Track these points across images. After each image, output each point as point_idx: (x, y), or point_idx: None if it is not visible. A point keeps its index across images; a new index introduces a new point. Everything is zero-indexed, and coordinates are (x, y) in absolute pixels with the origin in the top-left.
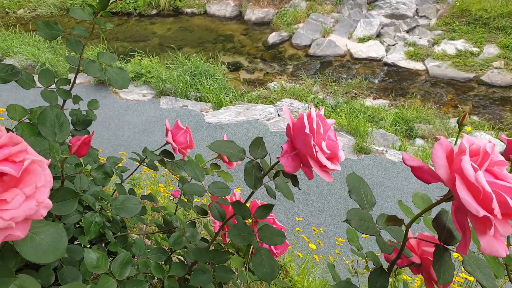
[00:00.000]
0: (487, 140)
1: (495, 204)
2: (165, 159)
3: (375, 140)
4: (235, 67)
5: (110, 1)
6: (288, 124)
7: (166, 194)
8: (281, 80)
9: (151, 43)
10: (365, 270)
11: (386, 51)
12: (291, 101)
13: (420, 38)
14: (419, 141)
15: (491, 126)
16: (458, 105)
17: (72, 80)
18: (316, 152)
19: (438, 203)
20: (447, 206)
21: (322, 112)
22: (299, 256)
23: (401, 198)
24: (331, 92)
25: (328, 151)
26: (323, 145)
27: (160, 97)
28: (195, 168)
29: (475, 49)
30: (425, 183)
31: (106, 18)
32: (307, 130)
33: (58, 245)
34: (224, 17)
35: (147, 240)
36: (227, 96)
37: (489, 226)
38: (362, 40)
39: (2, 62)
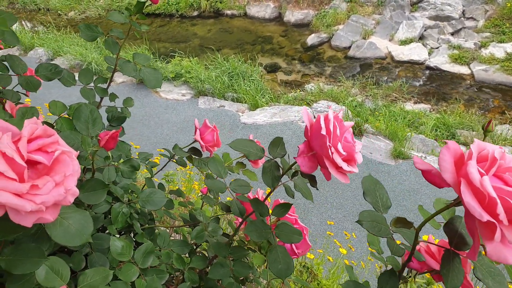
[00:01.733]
0: (498, 146)
1: (500, 209)
2: (193, 156)
3: (414, 146)
4: (272, 69)
5: (145, 5)
6: (306, 125)
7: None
8: (318, 82)
9: (192, 44)
10: None
11: (429, 54)
12: (328, 103)
13: (466, 41)
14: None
15: None
16: (506, 111)
17: (109, 79)
18: (332, 153)
19: (447, 207)
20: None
21: (340, 114)
22: (329, 260)
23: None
24: (370, 95)
25: (344, 153)
26: (339, 146)
27: (198, 97)
28: (218, 165)
29: None
30: (437, 187)
31: (143, 20)
32: (323, 131)
33: (84, 231)
34: (263, 19)
35: (175, 234)
36: (263, 97)
37: (494, 232)
38: (404, 42)
39: (51, 62)
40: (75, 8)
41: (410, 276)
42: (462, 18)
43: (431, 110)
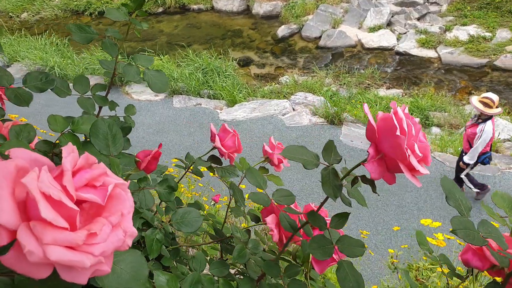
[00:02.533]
0: None
1: None
2: (213, 165)
3: None
4: (245, 62)
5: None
6: (370, 125)
7: (206, 199)
8: (292, 73)
9: (159, 41)
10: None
11: (398, 39)
12: (305, 94)
13: (431, 25)
14: (435, 130)
15: (507, 111)
16: (472, 92)
17: (108, 85)
18: (409, 156)
19: None
20: None
21: (406, 110)
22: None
23: (421, 188)
24: (344, 83)
25: (420, 154)
26: (416, 147)
27: (172, 96)
28: (256, 176)
29: (487, 34)
30: None
31: (143, 17)
32: (399, 132)
33: (139, 275)
34: (231, 12)
35: (190, 248)
36: (240, 93)
37: None
38: (373, 29)
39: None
40: (28, 9)
41: (471, 275)
42: (427, 3)
43: (404, 94)
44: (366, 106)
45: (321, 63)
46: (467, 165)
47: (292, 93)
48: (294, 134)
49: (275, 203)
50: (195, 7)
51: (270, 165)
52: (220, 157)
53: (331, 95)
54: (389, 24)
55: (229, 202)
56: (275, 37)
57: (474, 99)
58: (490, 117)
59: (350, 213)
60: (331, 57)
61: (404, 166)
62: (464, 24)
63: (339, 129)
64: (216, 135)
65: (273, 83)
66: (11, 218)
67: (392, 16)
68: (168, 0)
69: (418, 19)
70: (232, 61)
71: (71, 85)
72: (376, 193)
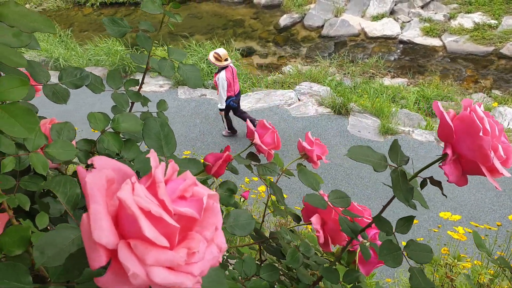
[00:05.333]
0: None
1: None
2: (253, 163)
3: (400, 121)
4: (247, 52)
5: None
6: (446, 124)
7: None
8: (296, 63)
9: (161, 32)
10: None
11: (401, 28)
12: (310, 84)
13: (435, 13)
14: None
15: None
16: (479, 80)
17: (140, 81)
18: (492, 158)
19: None
20: None
21: (482, 108)
22: None
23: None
24: (348, 73)
25: (504, 156)
26: (500, 149)
27: (177, 87)
28: (309, 176)
29: (493, 22)
30: None
31: (177, 9)
32: (482, 133)
33: None
34: (232, 2)
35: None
36: (245, 83)
37: None
38: (376, 18)
39: (71, 66)
40: (31, 1)
41: None
42: None
43: (409, 83)
44: (438, 103)
45: (324, 53)
46: (222, 110)
47: (296, 83)
48: (301, 124)
49: (331, 205)
50: None
51: (307, 162)
52: (257, 154)
53: (335, 85)
54: (392, 12)
55: (267, 201)
56: (277, 26)
57: (210, 54)
58: (223, 68)
59: (415, 216)
60: (334, 46)
61: (486, 168)
62: (469, 12)
63: (346, 119)
64: (255, 132)
65: (277, 73)
66: (111, 238)
67: (395, 5)
68: None
69: (422, 7)
70: (236, 51)
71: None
72: (444, 195)
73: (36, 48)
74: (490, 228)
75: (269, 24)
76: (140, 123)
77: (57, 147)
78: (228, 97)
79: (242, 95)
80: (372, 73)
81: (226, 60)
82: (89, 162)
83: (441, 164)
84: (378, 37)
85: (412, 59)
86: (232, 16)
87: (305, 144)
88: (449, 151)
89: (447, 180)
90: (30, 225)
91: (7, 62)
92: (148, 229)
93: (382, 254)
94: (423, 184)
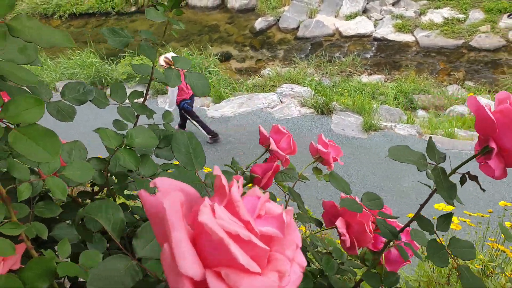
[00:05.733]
0: None
1: None
2: None
3: (381, 117)
4: (225, 57)
5: (77, 4)
6: (488, 118)
7: None
8: (274, 65)
9: (134, 42)
10: None
11: (375, 26)
12: (291, 86)
13: (406, 10)
14: (421, 112)
15: (487, 90)
16: (452, 73)
17: (145, 93)
18: None
19: None
20: None
21: None
22: None
23: (417, 172)
24: (326, 72)
25: None
26: None
27: (157, 96)
28: (340, 181)
29: (461, 16)
30: None
31: (179, 16)
32: None
33: None
34: (206, 8)
35: None
36: (225, 88)
37: None
38: (349, 17)
39: (73, 81)
40: None
41: None
42: None
43: (386, 79)
44: (475, 98)
45: (301, 54)
46: (182, 112)
47: (276, 86)
48: (285, 126)
49: (365, 209)
50: None
51: (322, 164)
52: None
53: (315, 85)
54: (365, 11)
55: (285, 207)
56: (253, 30)
57: (160, 59)
58: None
59: (453, 213)
60: (310, 47)
61: None
62: (438, 7)
63: (330, 119)
64: (270, 138)
65: (256, 77)
66: (197, 268)
67: (367, 3)
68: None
69: (393, 4)
70: (214, 56)
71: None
72: (483, 190)
73: (38, 64)
74: (483, 216)
75: (245, 28)
76: (155, 137)
77: (73, 168)
78: (182, 100)
79: (224, 101)
80: (350, 72)
81: None
82: (151, 185)
83: (481, 158)
84: (352, 36)
85: (387, 55)
86: (206, 21)
87: (319, 146)
88: (493, 145)
89: (494, 175)
90: (53, 256)
91: (16, 80)
92: (241, 255)
93: (430, 254)
94: (462, 180)
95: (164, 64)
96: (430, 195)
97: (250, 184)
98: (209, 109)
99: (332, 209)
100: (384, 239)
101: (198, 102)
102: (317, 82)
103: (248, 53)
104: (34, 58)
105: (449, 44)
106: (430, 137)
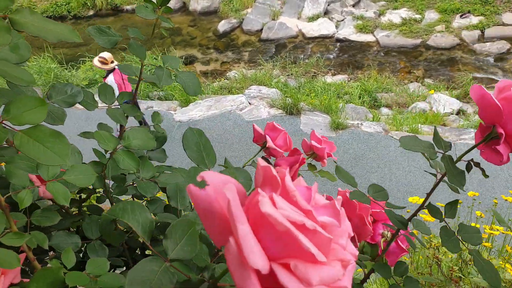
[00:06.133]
0: None
1: None
2: None
3: (348, 115)
4: (189, 60)
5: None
6: (494, 105)
7: None
8: (239, 68)
9: (93, 46)
10: None
11: (336, 27)
12: (259, 87)
13: (366, 11)
14: (385, 110)
15: (446, 86)
16: (412, 71)
17: (134, 93)
18: None
19: None
20: None
21: None
22: None
23: (384, 167)
24: (292, 74)
25: None
26: None
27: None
28: (345, 174)
29: (417, 16)
30: None
31: (169, 13)
32: None
33: None
34: None
35: None
36: None
37: None
38: (312, 19)
39: (60, 83)
40: None
41: None
42: None
43: (349, 79)
44: (479, 86)
45: (266, 56)
46: None
47: (243, 88)
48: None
49: (373, 200)
50: (128, 7)
51: (315, 160)
52: (269, 158)
53: (281, 87)
54: (326, 12)
55: None
56: (217, 32)
57: (95, 60)
58: (111, 71)
59: (459, 200)
60: (275, 49)
61: None
62: (396, 8)
63: (299, 119)
64: (267, 136)
65: (222, 79)
66: (264, 261)
67: (328, 5)
68: (99, 2)
69: (353, 5)
70: (179, 59)
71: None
72: (487, 176)
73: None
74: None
75: (208, 31)
76: (152, 138)
77: (75, 172)
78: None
79: (191, 104)
80: (314, 72)
81: (112, 62)
82: (198, 178)
83: (483, 145)
84: (315, 37)
85: (349, 55)
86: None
87: (314, 143)
88: (501, 131)
89: (501, 160)
90: (60, 266)
91: (12, 79)
92: (311, 246)
93: (444, 241)
94: (468, 167)
95: (99, 64)
96: (436, 184)
97: None
98: (176, 113)
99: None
100: (380, 232)
101: (164, 106)
102: (283, 83)
103: (213, 56)
104: (27, 57)
105: (408, 43)
106: (435, 128)
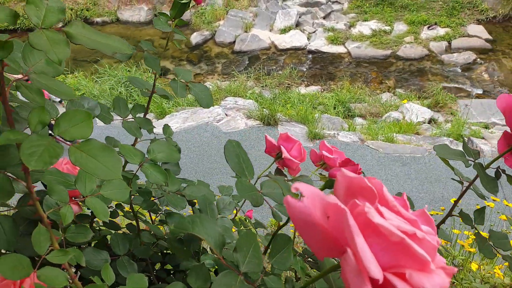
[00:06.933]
0: None
1: None
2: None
3: (324, 125)
4: (162, 72)
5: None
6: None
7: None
8: (213, 79)
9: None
10: None
11: (308, 39)
12: (235, 99)
13: (337, 23)
14: (359, 120)
15: (417, 96)
16: (383, 81)
17: (146, 106)
18: None
19: None
20: None
21: None
22: None
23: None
24: (266, 85)
25: None
26: None
27: None
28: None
29: (387, 28)
30: None
31: (181, 25)
32: None
33: None
34: (139, 23)
35: None
36: (168, 103)
37: None
38: (284, 31)
39: (77, 97)
40: None
41: None
42: (329, 2)
43: (322, 90)
44: (505, 95)
45: (240, 67)
46: None
47: (219, 99)
48: (233, 139)
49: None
50: (98, 20)
51: (325, 170)
52: (282, 169)
53: (256, 98)
54: (298, 24)
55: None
56: (189, 44)
57: None
58: None
59: (485, 206)
60: (248, 61)
61: None
62: (366, 20)
63: (276, 129)
64: (281, 146)
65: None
66: (380, 271)
67: (299, 17)
68: (68, 14)
69: (324, 17)
70: (149, 71)
71: None
72: None
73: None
74: (437, 213)
75: (180, 43)
76: (175, 151)
77: (111, 187)
78: None
79: (167, 116)
80: (288, 84)
81: None
82: (293, 190)
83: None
84: (288, 49)
85: (322, 67)
86: (140, 37)
87: (325, 153)
88: None
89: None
90: (103, 283)
91: (55, 94)
92: (425, 254)
93: (480, 247)
94: (498, 175)
95: None
96: (464, 191)
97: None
98: None
99: None
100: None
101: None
102: (258, 94)
103: (186, 68)
104: (61, 70)
105: (378, 54)
106: (463, 139)
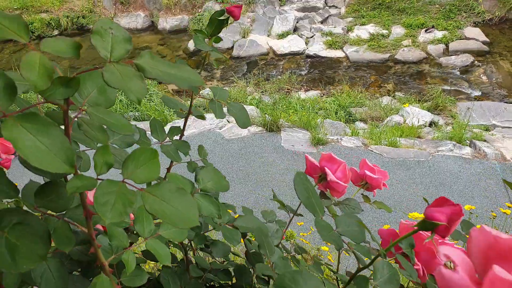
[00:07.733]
0: None
1: None
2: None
3: (327, 131)
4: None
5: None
6: None
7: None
8: (213, 85)
9: (60, 67)
10: None
11: (306, 43)
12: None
13: (334, 27)
14: (361, 124)
15: (417, 99)
16: (382, 85)
17: (182, 128)
18: None
19: None
20: None
21: None
22: None
23: None
24: (266, 90)
25: None
26: None
27: None
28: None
29: (384, 31)
30: None
31: (217, 43)
32: None
33: None
34: (136, 29)
35: None
36: (169, 111)
37: None
38: (281, 36)
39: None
40: None
41: None
42: (327, 7)
43: (322, 94)
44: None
45: (239, 73)
46: None
47: None
48: (236, 146)
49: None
50: None
51: (367, 190)
52: (325, 191)
53: (256, 103)
54: (295, 29)
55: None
56: (187, 51)
57: None
58: None
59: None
60: (246, 66)
61: None
62: (363, 24)
63: (279, 136)
64: (326, 168)
65: (196, 97)
66: None
67: (297, 22)
68: (64, 22)
69: (322, 22)
70: (147, 79)
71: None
72: None
73: None
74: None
75: (178, 49)
76: (223, 177)
77: (170, 226)
78: None
79: (169, 124)
80: (288, 89)
81: None
82: (443, 258)
83: None
84: (286, 54)
85: (320, 71)
86: (137, 44)
87: (368, 173)
88: None
89: None
90: None
91: (113, 127)
92: None
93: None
94: None
95: None
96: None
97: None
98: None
99: (391, 238)
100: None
101: (141, 127)
102: (258, 100)
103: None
104: (113, 100)
105: (377, 58)
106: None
